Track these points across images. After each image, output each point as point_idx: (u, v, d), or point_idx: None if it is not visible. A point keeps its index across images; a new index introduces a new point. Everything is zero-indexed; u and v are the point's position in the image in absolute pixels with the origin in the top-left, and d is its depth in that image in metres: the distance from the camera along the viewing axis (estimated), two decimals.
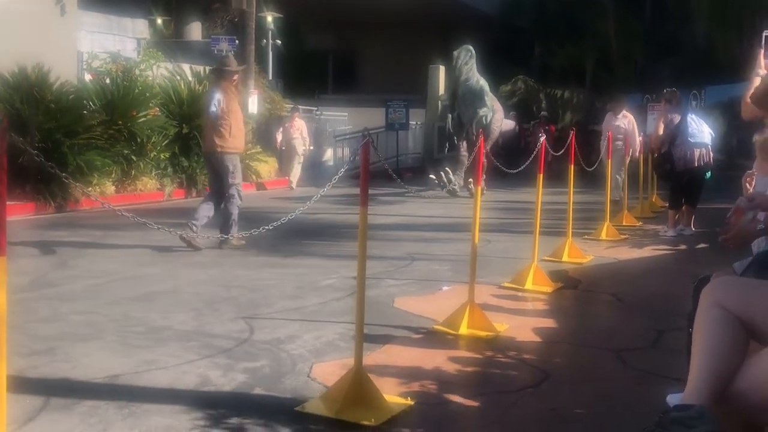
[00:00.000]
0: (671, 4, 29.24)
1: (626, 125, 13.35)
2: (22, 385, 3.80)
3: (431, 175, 15.38)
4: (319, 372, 4.29)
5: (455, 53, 15.92)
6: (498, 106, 15.95)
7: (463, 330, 5.14)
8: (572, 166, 7.86)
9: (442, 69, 24.60)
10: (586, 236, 9.60)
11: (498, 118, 15.70)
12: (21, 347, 4.49)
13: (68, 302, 5.81)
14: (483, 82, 15.69)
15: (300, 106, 19.46)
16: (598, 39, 29.44)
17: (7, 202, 8.43)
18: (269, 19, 25.07)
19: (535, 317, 5.85)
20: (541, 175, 6.70)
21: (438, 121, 24.85)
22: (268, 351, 4.67)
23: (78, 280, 6.62)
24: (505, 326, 5.35)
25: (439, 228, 10.71)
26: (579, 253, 8.15)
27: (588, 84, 29.58)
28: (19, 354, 4.35)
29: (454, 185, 15.01)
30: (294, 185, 16.79)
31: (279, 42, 26.01)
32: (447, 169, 15.20)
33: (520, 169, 7.22)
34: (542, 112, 24.28)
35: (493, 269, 7.25)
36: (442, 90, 24.43)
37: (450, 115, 16.09)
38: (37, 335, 4.86)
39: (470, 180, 14.29)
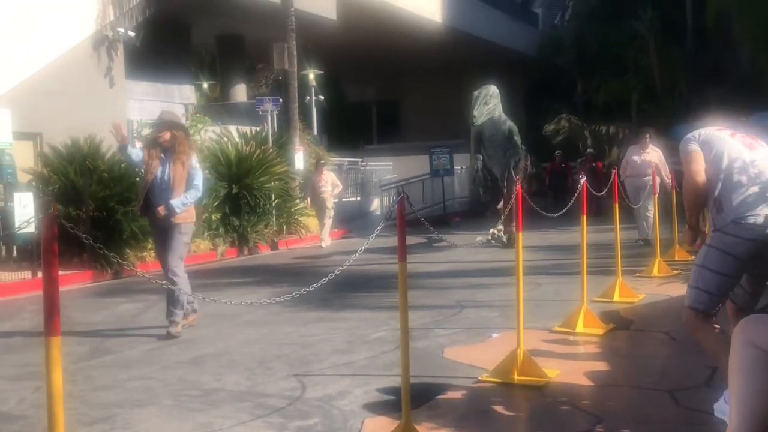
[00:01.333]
0: (712, 32, 29.02)
1: (654, 159, 12.60)
2: None
3: (479, 239, 14.21)
4: (370, 427, 4.33)
5: (475, 93, 14.63)
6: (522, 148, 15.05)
7: (514, 378, 5.13)
8: (616, 205, 7.83)
9: None
10: (637, 274, 9.50)
11: (526, 159, 15.12)
12: (82, 416, 4.64)
13: (126, 368, 5.97)
14: (510, 123, 14.74)
15: (328, 158, 19.49)
16: (640, 72, 29.30)
17: (66, 272, 8.66)
18: (311, 76, 25.61)
19: (587, 360, 5.81)
20: (584, 217, 6.69)
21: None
22: (319, 408, 4.73)
23: (135, 345, 6.79)
24: (556, 372, 5.33)
25: (487, 273, 10.69)
26: (630, 292, 8.07)
27: (633, 118, 29.39)
28: (81, 423, 4.49)
29: (502, 235, 14.04)
30: (325, 243, 15.65)
31: (322, 98, 26.53)
32: (499, 227, 13.69)
33: (561, 212, 7.21)
34: (588, 150, 24.16)
35: (544, 313, 7.22)
36: None
37: (478, 157, 14.87)
38: (98, 403, 5.01)
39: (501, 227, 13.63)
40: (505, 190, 14.05)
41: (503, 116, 14.73)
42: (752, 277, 4.15)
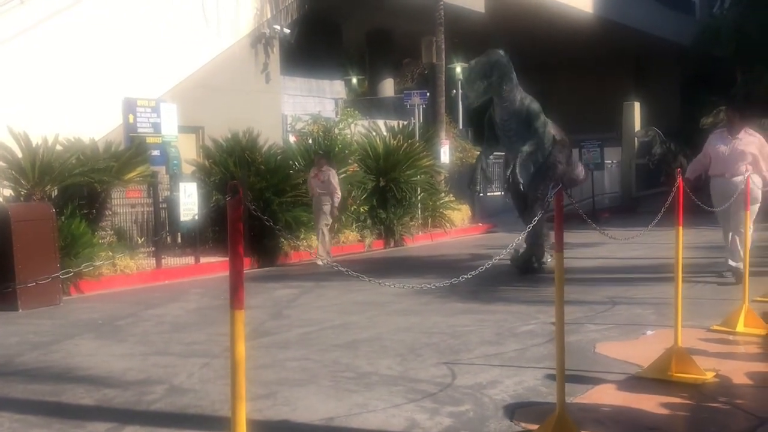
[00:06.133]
0: None
1: (751, 149, 8.73)
2: (250, 427, 4.17)
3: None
4: (523, 416, 4.36)
5: (471, 63, 10.51)
6: (560, 135, 10.85)
7: (670, 375, 5.01)
8: None
9: (636, 105, 24.01)
10: None
11: (561, 151, 10.67)
12: (246, 392, 4.91)
13: (284, 349, 6.26)
14: (530, 101, 10.42)
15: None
16: None
17: (224, 258, 9.21)
18: (458, 69, 25.63)
19: (747, 361, 5.58)
20: (747, 213, 6.40)
21: (635, 158, 24.21)
22: (471, 396, 4.81)
23: (292, 328, 7.11)
24: (716, 370, 5.15)
25: (639, 270, 10.41)
26: None
27: None
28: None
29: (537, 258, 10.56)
30: (322, 259, 11.48)
31: None
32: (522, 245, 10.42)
33: (723, 207, 6.94)
34: None
35: (701, 312, 6.98)
36: (638, 126, 23.79)
37: (483, 156, 10.81)
38: (259, 380, 5.28)
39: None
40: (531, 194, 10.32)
41: (518, 93, 10.34)
42: None
